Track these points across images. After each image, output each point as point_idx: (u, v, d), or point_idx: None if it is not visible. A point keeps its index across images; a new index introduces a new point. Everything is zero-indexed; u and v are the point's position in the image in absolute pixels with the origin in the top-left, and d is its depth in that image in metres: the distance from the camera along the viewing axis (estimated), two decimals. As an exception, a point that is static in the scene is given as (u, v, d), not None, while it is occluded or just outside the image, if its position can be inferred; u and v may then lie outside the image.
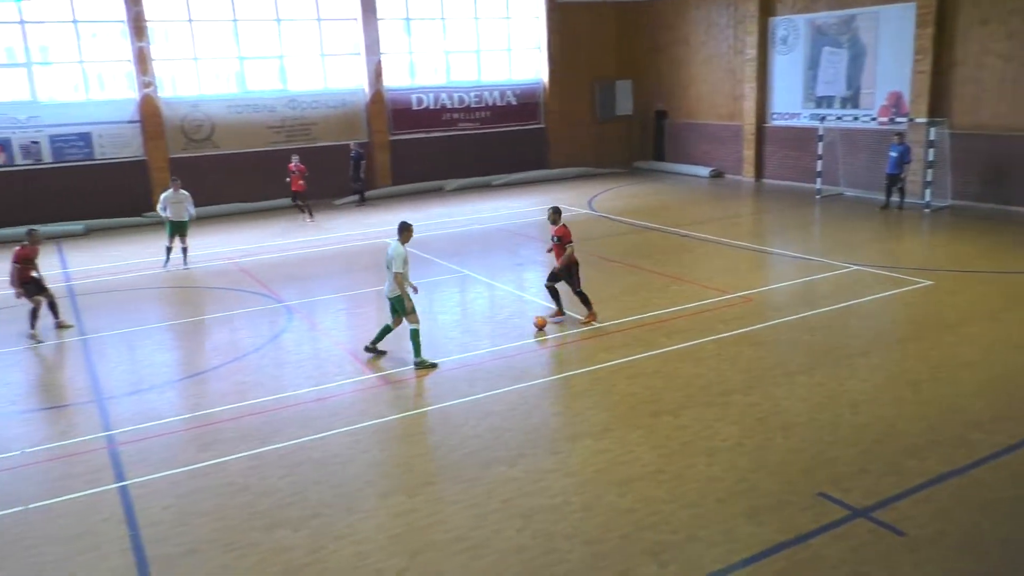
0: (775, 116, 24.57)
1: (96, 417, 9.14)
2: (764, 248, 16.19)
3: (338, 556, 6.24)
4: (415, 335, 10.24)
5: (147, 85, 22.07)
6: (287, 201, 22.42)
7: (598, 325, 11.49)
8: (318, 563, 6.16)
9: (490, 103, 27.23)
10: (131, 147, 22.24)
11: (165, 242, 16.55)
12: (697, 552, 6.07)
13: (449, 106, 26.57)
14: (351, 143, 23.87)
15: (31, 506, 7.16)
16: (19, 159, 21.06)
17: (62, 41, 21.46)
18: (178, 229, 16.45)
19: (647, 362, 10.06)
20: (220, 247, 18.41)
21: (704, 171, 26.49)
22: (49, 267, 16.79)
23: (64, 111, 21.51)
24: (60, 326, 12.50)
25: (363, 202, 23.95)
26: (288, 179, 21.15)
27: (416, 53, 26.11)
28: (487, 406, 9.05)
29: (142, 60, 21.91)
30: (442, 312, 12.70)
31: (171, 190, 16.51)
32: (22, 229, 19.27)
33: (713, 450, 7.69)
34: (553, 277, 11.86)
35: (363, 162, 23.53)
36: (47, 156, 21.34)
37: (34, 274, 12.28)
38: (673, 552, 6.08)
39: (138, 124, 22.17)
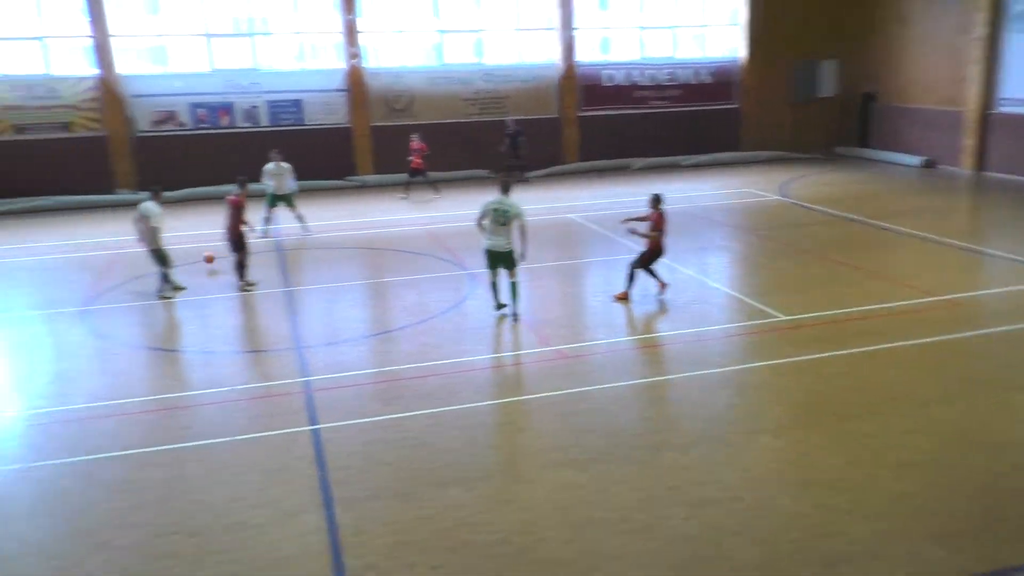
0: (1004, 102, 22.22)
1: (295, 364, 9.91)
2: (979, 248, 14.77)
3: (505, 520, 6.44)
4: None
5: (354, 56, 23.37)
6: (482, 172, 23.02)
7: (786, 318, 11.00)
8: (486, 524, 6.38)
9: (683, 81, 26.55)
10: (338, 115, 23.70)
11: (263, 212, 16.78)
12: (877, 571, 5.71)
13: (641, 83, 26.18)
14: (508, 119, 23.88)
15: (238, 438, 7.90)
16: (240, 121, 23.04)
17: (281, 13, 23.16)
18: (282, 200, 17.01)
19: (835, 361, 9.52)
20: (413, 213, 19.27)
21: (914, 160, 24.50)
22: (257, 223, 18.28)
23: (280, 79, 23.27)
24: (244, 287, 13.09)
25: (523, 180, 23.82)
26: (410, 158, 21.44)
27: (610, 28, 25.90)
28: (661, 391, 8.95)
29: (351, 32, 23.22)
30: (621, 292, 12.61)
31: (273, 163, 17.01)
32: (257, 186, 21.23)
33: (903, 463, 7.17)
34: (648, 262, 11.88)
35: (521, 139, 23.41)
36: (264, 120, 23.20)
37: (243, 227, 13.25)
38: (850, 567, 5.75)
39: (345, 93, 23.57)
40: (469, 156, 24.23)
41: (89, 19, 21.31)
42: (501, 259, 11.07)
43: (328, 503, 6.73)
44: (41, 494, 7.03)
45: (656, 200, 11.85)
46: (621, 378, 9.23)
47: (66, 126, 21.80)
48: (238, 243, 13.11)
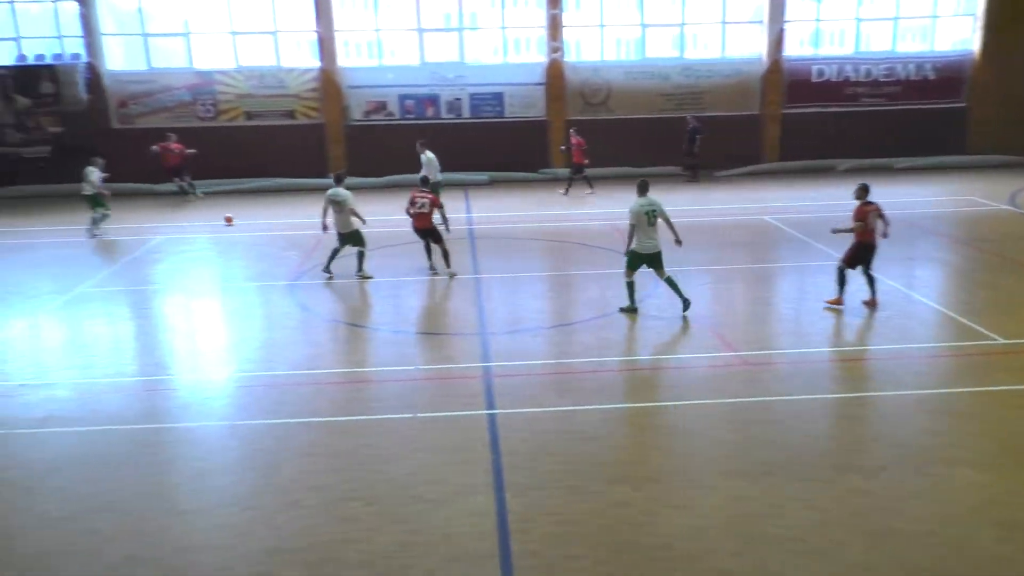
0: None
1: (478, 348, 10.24)
2: None
3: (671, 523, 6.32)
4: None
5: (555, 50, 23.67)
6: (674, 169, 22.68)
7: (1003, 341, 9.95)
8: (651, 525, 6.30)
9: (902, 77, 24.61)
10: (536, 108, 24.13)
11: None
12: (1093, 629, 5.07)
13: (853, 79, 24.56)
14: (688, 116, 23.16)
15: (419, 415, 8.29)
16: (444, 113, 24.05)
17: (488, 8, 23.88)
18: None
19: (1060, 393, 8.50)
20: (600, 208, 19.28)
21: None
22: (455, 211, 19.03)
23: (483, 72, 24.02)
24: (441, 272, 13.48)
25: (695, 179, 23.08)
26: (564, 148, 21.21)
27: (823, 21, 24.48)
28: (850, 408, 8.41)
29: (554, 26, 23.53)
30: (814, 300, 11.91)
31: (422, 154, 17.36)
32: (455, 175, 22.23)
33: None
34: (852, 259, 11.12)
35: (699, 136, 22.67)
36: (466, 112, 24.06)
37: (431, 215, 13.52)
38: (1060, 621, 5.14)
39: (543, 86, 23.94)
40: (664, 152, 23.82)
41: (316, 15, 23.05)
42: (653, 260, 11.01)
43: (499, 487, 6.91)
44: (243, 450, 7.74)
45: (862, 190, 11.08)
46: (807, 391, 8.75)
47: (290, 114, 23.77)
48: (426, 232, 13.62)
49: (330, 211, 13.31)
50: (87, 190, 17.29)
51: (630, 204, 11.05)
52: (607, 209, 19.10)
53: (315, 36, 23.32)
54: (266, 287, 13.16)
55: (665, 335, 10.66)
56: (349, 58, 24.05)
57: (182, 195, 21.55)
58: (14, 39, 23.43)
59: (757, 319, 11.49)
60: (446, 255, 13.44)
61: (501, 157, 23.80)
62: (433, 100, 23.96)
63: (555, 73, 23.81)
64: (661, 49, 24.34)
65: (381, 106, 23.98)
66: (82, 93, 22.90)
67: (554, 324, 11.29)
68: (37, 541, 6.23)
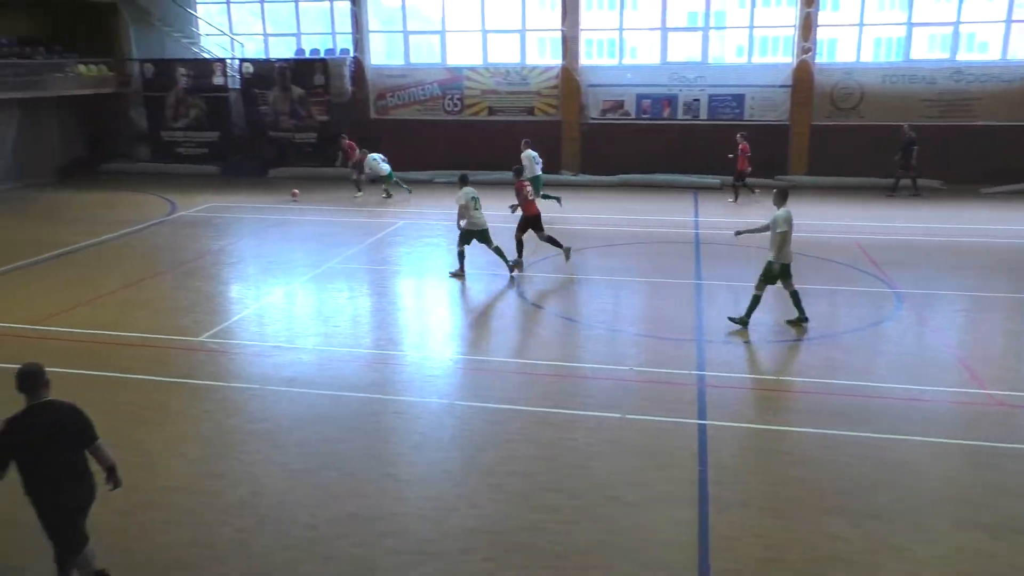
0: None
1: (693, 355, 10.00)
2: None
3: (889, 569, 5.80)
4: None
5: (806, 51, 22.43)
6: (933, 182, 20.81)
7: None
8: (868, 565, 5.83)
9: None
10: (778, 111, 23.03)
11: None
12: None
13: None
14: (905, 125, 20.72)
15: (627, 416, 8.25)
16: (680, 114, 23.64)
17: (736, 7, 23.13)
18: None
19: None
20: (838, 220, 18.06)
21: None
22: (684, 214, 18.72)
23: (725, 73, 23.32)
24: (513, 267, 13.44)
25: (917, 193, 20.68)
26: (732, 155, 19.99)
27: None
28: None
29: (806, 26, 22.29)
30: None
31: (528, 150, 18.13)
32: (683, 177, 21.99)
33: None
34: None
35: (915, 148, 20.29)
36: (703, 113, 23.48)
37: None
38: None
39: (788, 89, 22.79)
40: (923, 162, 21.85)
41: (562, 14, 23.56)
42: (787, 271, 10.49)
43: (703, 499, 6.72)
44: (456, 429, 8.12)
45: None
46: (1072, 443, 7.66)
47: (529, 110, 24.50)
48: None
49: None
50: (383, 170, 20.53)
51: (777, 213, 10.48)
52: (846, 222, 17.87)
53: (559, 35, 23.84)
54: (492, 276, 13.68)
55: (903, 362, 9.78)
56: (590, 57, 24.35)
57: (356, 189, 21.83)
58: (295, 35, 26.24)
59: (1017, 355, 10.23)
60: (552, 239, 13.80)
61: (734, 161, 22.97)
62: (671, 100, 23.63)
63: (803, 75, 22.57)
64: (928, 51, 22.27)
65: (618, 105, 24.04)
66: (347, 85, 25.09)
67: (777, 338, 10.75)
68: (277, 490, 6.94)
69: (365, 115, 25.32)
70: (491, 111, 24.69)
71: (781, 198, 10.62)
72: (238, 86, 25.71)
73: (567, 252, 13.82)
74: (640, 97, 23.83)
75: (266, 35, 26.71)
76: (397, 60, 25.42)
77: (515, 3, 24.18)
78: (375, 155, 20.82)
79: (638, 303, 12.68)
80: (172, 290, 13.01)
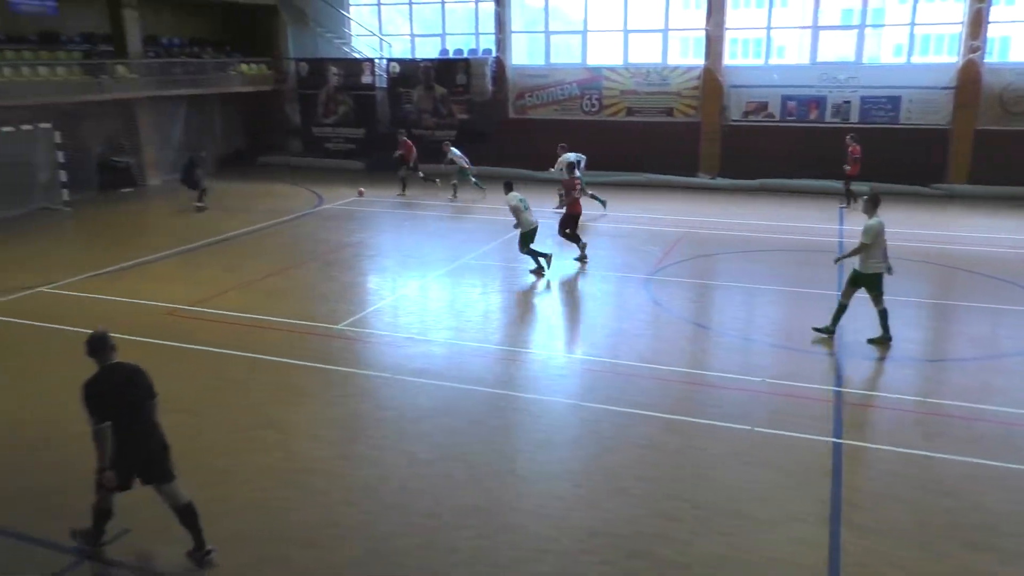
0: None
1: (831, 370, 9.54)
2: None
3: (1046, 615, 5.33)
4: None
5: (974, 50, 20.89)
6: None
7: None
8: (1018, 611, 5.38)
9: None
10: (938, 115, 21.57)
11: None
12: None
13: None
14: None
15: (757, 429, 7.97)
16: (828, 116, 22.57)
17: (897, 4, 21.83)
18: None
19: None
20: (1003, 233, 16.73)
21: None
22: (828, 221, 17.91)
23: (880, 74, 22.09)
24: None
25: None
26: (846, 166, 18.94)
27: None
28: None
29: (975, 23, 20.75)
30: None
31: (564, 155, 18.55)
32: (826, 183, 21.05)
33: None
34: None
35: None
36: (853, 116, 22.32)
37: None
38: None
39: (951, 91, 21.31)
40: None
41: (707, 13, 23.01)
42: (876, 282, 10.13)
43: (835, 521, 6.40)
44: (581, 430, 8.09)
45: None
46: None
47: (668, 111, 24.09)
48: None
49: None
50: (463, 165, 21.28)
51: (868, 222, 9.92)
52: (1013, 235, 16.54)
53: (703, 35, 23.30)
54: (624, 278, 13.56)
55: (1071, 391, 8.95)
56: (734, 57, 23.66)
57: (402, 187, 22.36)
58: (439, 35, 26.93)
59: None
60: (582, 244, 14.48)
61: (889, 167, 21.71)
62: (818, 102, 22.61)
63: (969, 76, 21.03)
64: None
65: (761, 106, 23.24)
66: (488, 85, 25.52)
67: (927, 357, 10.10)
68: (402, 477, 7.14)
69: (504, 114, 25.67)
70: (629, 111, 24.45)
71: (872, 206, 10.02)
72: (384, 85, 26.65)
73: (583, 258, 14.27)
74: (786, 98, 22.95)
75: (413, 35, 27.57)
76: (538, 60, 25.60)
77: (658, 3, 23.83)
78: (455, 149, 21.47)
79: (774, 313, 12.20)
80: (314, 279, 13.65)
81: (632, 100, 24.35)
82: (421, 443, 7.74)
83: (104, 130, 22.66)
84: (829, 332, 10.36)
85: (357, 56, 27.75)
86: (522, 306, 12.69)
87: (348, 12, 27.98)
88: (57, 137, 19.31)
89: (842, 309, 10.28)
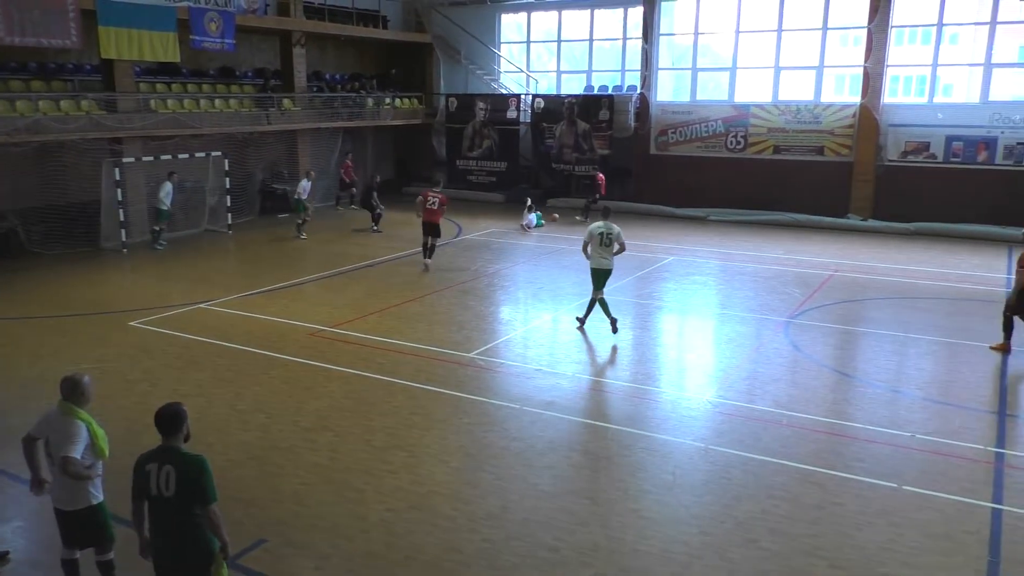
0: None
1: (992, 430, 8.77)
2: None
3: None
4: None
5: None
6: None
7: None
8: None
9: None
10: None
11: None
12: None
13: None
14: None
15: (904, 487, 7.40)
16: (998, 158, 21.02)
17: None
18: None
19: None
20: None
21: None
22: (996, 270, 16.64)
23: (1062, 113, 20.41)
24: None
25: None
26: None
27: None
28: None
29: None
30: None
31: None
32: (994, 229, 19.57)
33: None
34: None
35: None
36: (1029, 158, 20.71)
37: None
38: None
39: None
40: None
41: (866, 50, 22.06)
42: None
43: (990, 595, 5.84)
44: (711, 474, 7.78)
45: None
46: None
47: (818, 150, 23.19)
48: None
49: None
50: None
51: None
52: None
53: (861, 71, 22.34)
54: (763, 320, 13.06)
55: None
56: (894, 95, 22.53)
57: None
58: (585, 72, 27.21)
59: None
60: (433, 249, 16.37)
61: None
62: (988, 143, 21.13)
63: None
64: None
65: (923, 147, 21.97)
66: (630, 121, 25.47)
67: (1107, 424, 9.09)
68: (524, 508, 7.10)
69: (645, 150, 25.52)
70: (776, 149, 23.73)
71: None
72: (528, 119, 27.15)
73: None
74: (951, 139, 21.60)
75: (559, 72, 28.01)
76: (683, 97, 25.36)
77: (814, 40, 23.10)
78: (305, 182, 20.40)
79: (929, 365, 11.36)
80: (449, 307, 13.95)
81: (780, 138, 23.64)
82: (546, 476, 7.69)
83: (266, 158, 24.28)
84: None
85: (504, 92, 28.44)
86: (652, 343, 12.45)
87: (499, 50, 28.78)
88: (226, 165, 20.86)
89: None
